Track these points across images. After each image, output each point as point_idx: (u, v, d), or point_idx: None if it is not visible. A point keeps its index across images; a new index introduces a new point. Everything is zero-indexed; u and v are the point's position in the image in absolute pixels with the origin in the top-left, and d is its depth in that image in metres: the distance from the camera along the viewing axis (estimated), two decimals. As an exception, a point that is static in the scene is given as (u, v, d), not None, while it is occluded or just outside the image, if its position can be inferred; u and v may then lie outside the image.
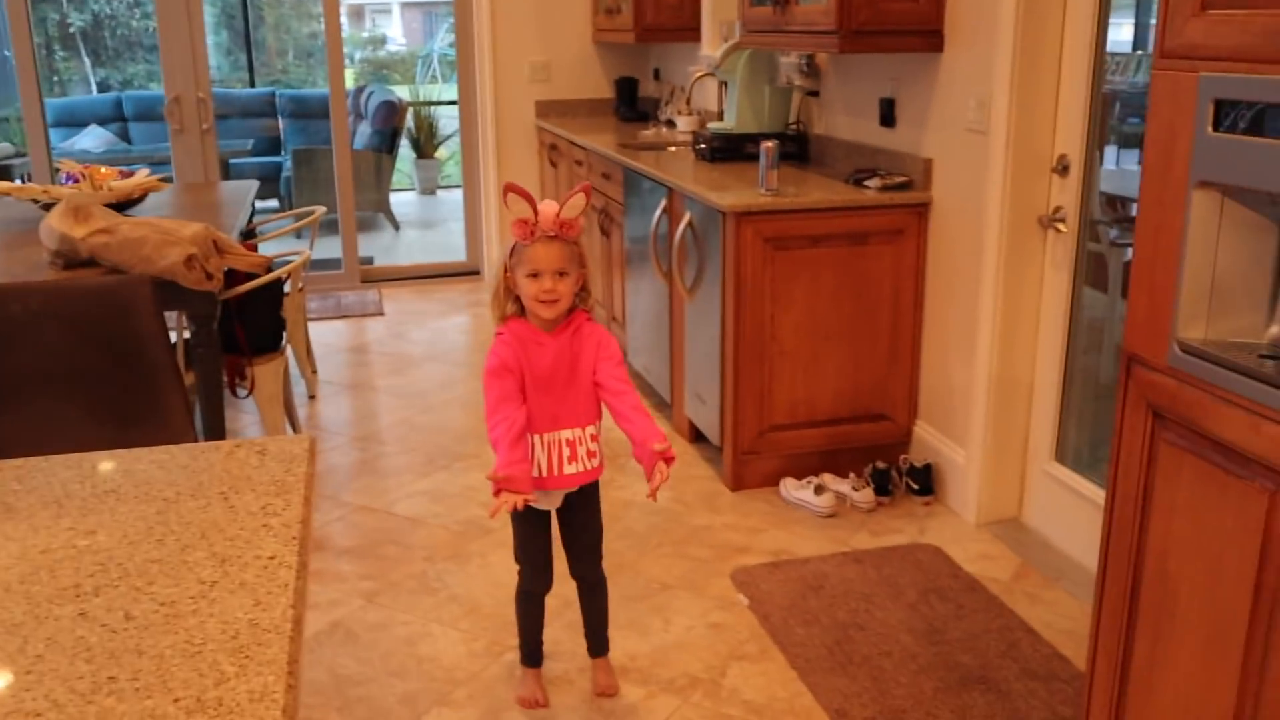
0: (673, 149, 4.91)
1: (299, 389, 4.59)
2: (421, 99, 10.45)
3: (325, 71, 6.18)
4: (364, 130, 8.64)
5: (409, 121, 9.68)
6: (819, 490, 3.48)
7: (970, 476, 3.41)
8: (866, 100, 3.91)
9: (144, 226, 3.04)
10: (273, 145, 9.18)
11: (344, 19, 6.22)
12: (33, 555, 1.22)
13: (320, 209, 4.54)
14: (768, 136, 3.96)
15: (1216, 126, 1.52)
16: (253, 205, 4.53)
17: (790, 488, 3.58)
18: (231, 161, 8.06)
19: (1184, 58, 1.60)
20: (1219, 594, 1.55)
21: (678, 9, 5.48)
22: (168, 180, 4.59)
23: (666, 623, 2.88)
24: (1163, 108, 1.62)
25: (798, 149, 4.32)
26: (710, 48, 5.28)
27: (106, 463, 1.47)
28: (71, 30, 10.66)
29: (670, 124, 5.65)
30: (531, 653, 2.59)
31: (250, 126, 9.10)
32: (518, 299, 2.29)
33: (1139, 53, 3.18)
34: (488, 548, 3.29)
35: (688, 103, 5.57)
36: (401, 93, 9.68)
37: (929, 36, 3.45)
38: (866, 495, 3.50)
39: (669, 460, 2.17)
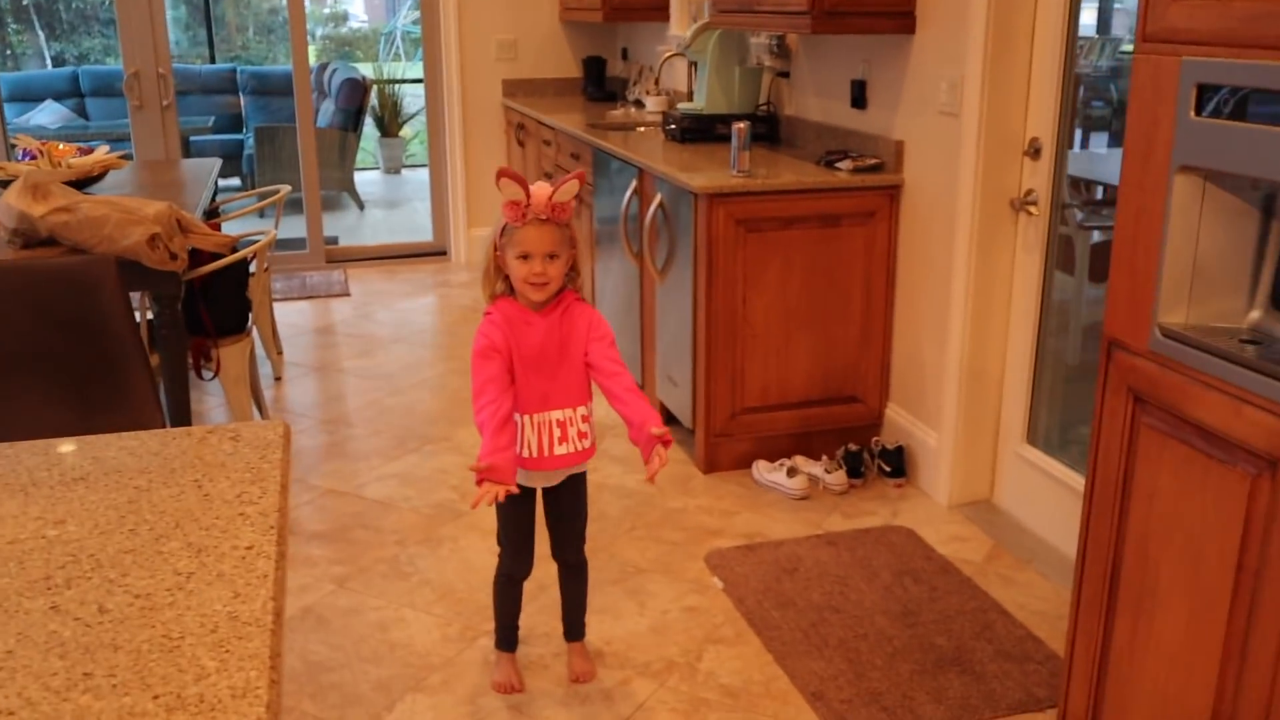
0: (642, 129, 4.88)
1: (264, 371, 4.53)
2: (385, 77, 10.32)
3: (286, 48, 6.09)
4: (328, 108, 8.53)
5: (373, 100, 9.57)
6: (791, 473, 3.48)
7: (942, 458, 3.42)
8: (838, 82, 3.90)
9: (105, 205, 2.97)
10: (234, 123, 9.05)
11: (307, -5, 6.13)
12: (0, 546, 1.18)
13: (285, 188, 4.47)
14: (738, 117, 3.94)
15: (1199, 111, 1.52)
16: (215, 184, 4.45)
17: (763, 470, 3.57)
18: (192, 139, 7.93)
19: (1166, 41, 1.59)
20: (1200, 577, 1.56)
21: (647, -12, 5.44)
22: (128, 158, 4.51)
23: (641, 606, 2.87)
24: (1144, 92, 1.61)
25: (768, 130, 4.30)
26: (679, 27, 5.25)
27: (74, 449, 1.43)
28: (25, 2, 10.43)
29: (639, 104, 5.61)
30: (507, 637, 2.57)
31: (211, 103, 8.95)
32: (507, 278, 2.26)
33: (1101, 37, 3.19)
34: (459, 531, 3.26)
35: (656, 83, 5.54)
36: (365, 70, 9.56)
37: (901, 18, 3.43)
38: (839, 477, 3.50)
39: (666, 444, 2.16)
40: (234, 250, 3.37)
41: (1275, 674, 1.46)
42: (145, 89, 5.88)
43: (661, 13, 5.41)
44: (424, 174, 9.01)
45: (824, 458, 3.59)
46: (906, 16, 3.43)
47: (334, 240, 6.86)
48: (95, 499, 1.29)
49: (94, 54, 10.83)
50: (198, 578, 1.12)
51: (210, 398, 4.33)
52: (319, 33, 13.76)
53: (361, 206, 8.72)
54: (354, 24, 15.35)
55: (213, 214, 4.41)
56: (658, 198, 3.77)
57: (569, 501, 2.46)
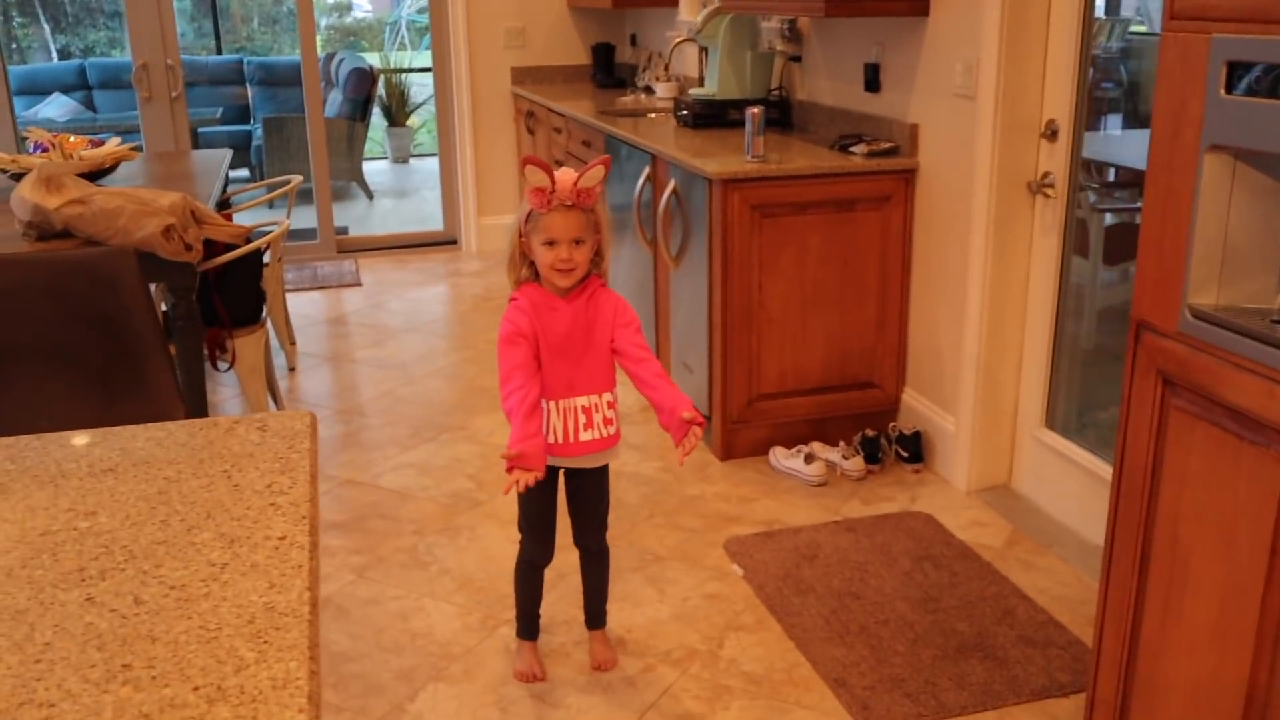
0: (652, 115, 4.86)
1: (278, 361, 4.53)
2: (392, 66, 10.30)
3: (291, 38, 6.08)
4: (335, 98, 8.51)
5: (380, 89, 9.55)
6: (809, 459, 3.47)
7: (960, 443, 3.41)
8: (851, 65, 3.88)
9: (120, 197, 2.97)
10: (241, 114, 9.04)
11: (314, -16, 6.12)
12: (32, 538, 1.18)
13: (297, 178, 4.46)
14: (750, 102, 3.92)
15: (1229, 89, 1.50)
16: (227, 175, 4.45)
17: (780, 457, 3.56)
18: (200, 130, 7.92)
19: (1195, 19, 1.57)
20: (1233, 560, 1.55)
21: (656, -27, 5.41)
22: (138, 150, 4.50)
23: (662, 594, 2.87)
24: (1172, 71, 1.60)
25: (780, 115, 4.28)
26: (689, 13, 5.22)
27: (101, 440, 1.43)
28: (31, -4, 10.42)
29: (649, 90, 5.59)
30: (529, 625, 2.56)
31: (218, 94, 8.94)
32: (532, 264, 2.25)
33: (1111, 18, 3.16)
34: (477, 520, 3.26)
35: (666, 69, 5.51)
36: (371, 60, 9.54)
37: (915, 0, 3.41)
38: (856, 464, 3.49)
39: (700, 425, 2.15)
40: (248, 241, 3.36)
41: (1310, 656, 1.45)
42: (154, 80, 5.87)
43: (671, -2, 5.39)
44: (432, 163, 9.00)
45: (841, 444, 3.58)
46: (921, -1, 3.40)
47: (344, 230, 6.85)
48: (125, 490, 1.28)
49: (100, 46, 10.82)
50: (232, 568, 1.11)
51: (224, 389, 4.33)
52: (324, 23, 13.73)
53: (370, 196, 8.71)
54: (358, 14, 15.32)
55: (224, 205, 4.40)
56: (671, 184, 3.76)
57: (591, 488, 2.45)
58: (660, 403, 2.20)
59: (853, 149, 3.60)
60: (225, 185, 4.48)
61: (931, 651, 2.58)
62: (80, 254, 2.09)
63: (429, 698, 2.46)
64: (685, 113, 4.34)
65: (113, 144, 3.91)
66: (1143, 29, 3.17)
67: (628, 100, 5.35)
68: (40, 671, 0.95)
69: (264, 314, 3.78)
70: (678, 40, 4.98)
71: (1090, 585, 2.86)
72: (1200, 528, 1.60)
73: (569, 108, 5.05)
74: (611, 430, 2.33)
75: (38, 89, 8.76)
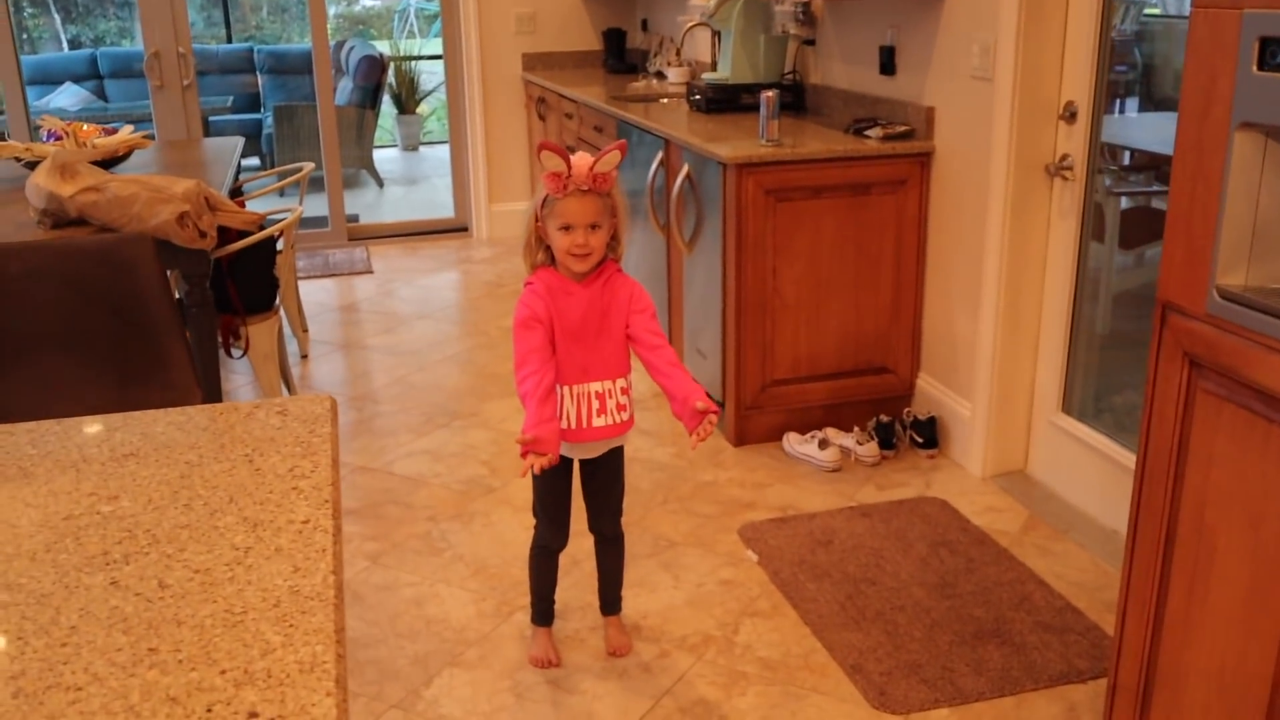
0: (664, 100, 4.84)
1: (291, 348, 4.53)
2: (401, 54, 10.28)
3: (301, 26, 6.06)
4: (345, 86, 8.50)
5: (390, 77, 9.53)
6: (823, 444, 3.46)
7: (975, 429, 3.39)
8: (865, 48, 3.85)
9: (134, 184, 2.96)
10: (252, 102, 9.03)
11: (324, -29, 6.09)
12: (55, 522, 1.17)
13: (309, 165, 4.45)
14: (764, 86, 3.89)
15: (1261, 65, 1.48)
16: (239, 163, 4.44)
17: (794, 442, 3.55)
18: (212, 119, 7.92)
19: (1223, -4, 1.55)
20: (1260, 543, 1.53)
21: (668, -42, 5.38)
22: (150, 138, 4.49)
23: (676, 580, 2.86)
24: (1202, 48, 1.57)
25: (794, 99, 4.25)
26: (701, -3, 5.19)
27: (122, 425, 1.42)
28: (41, -15, 10.42)
29: (660, 75, 5.56)
30: (544, 611, 2.56)
31: (229, 83, 8.93)
32: (548, 248, 2.24)
33: (1125, 0, 3.13)
34: (491, 506, 3.26)
35: (678, 53, 5.49)
36: (381, 47, 9.52)
37: (932, -18, 3.39)
38: (871, 449, 3.48)
39: (715, 412, 2.14)
40: (261, 228, 3.35)
41: (1339, 641, 1.44)
42: (166, 69, 5.86)
43: (682, -17, 5.36)
44: (442, 151, 8.98)
45: (855, 429, 3.56)
46: (937, -19, 3.38)
47: (354, 218, 6.85)
48: (147, 474, 1.28)
49: (110, 36, 10.82)
50: (256, 552, 1.10)
51: (238, 376, 4.33)
52: (332, 11, 13.71)
53: (381, 184, 8.70)
54: (367, 1, 15.28)
55: (236, 192, 4.40)
56: (684, 169, 3.74)
57: (606, 473, 2.45)
58: (673, 391, 2.19)
59: (867, 132, 3.58)
60: (237, 173, 4.47)
61: (948, 637, 2.57)
62: (98, 240, 2.08)
63: (444, 683, 2.46)
64: (698, 97, 4.31)
65: (125, 132, 3.90)
66: (1156, 10, 3.14)
67: (639, 85, 5.32)
68: (67, 655, 0.94)
69: (277, 301, 3.77)
70: (690, 24, 4.95)
71: (1108, 571, 2.85)
72: (1226, 511, 1.59)
73: (580, 93, 5.03)
74: (625, 416, 2.32)
75: (49, 78, 8.76)
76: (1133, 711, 1.82)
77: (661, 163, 3.95)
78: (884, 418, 3.55)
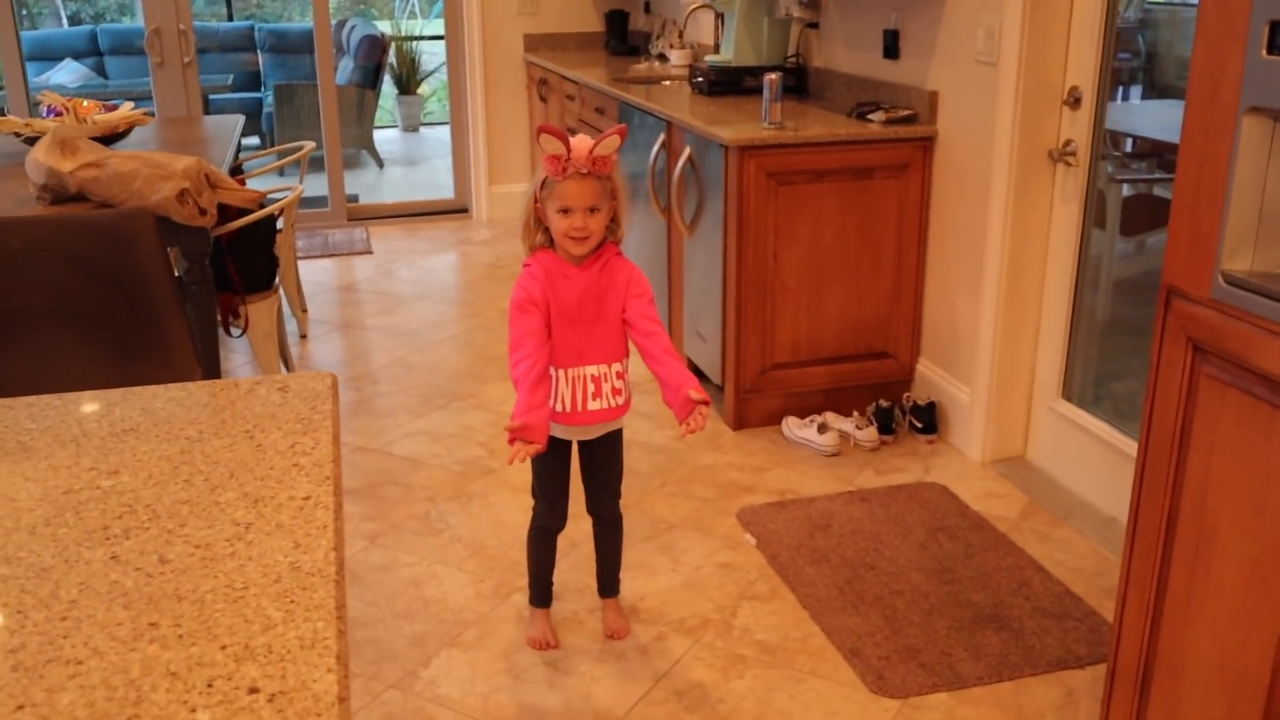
0: (667, 83, 4.82)
1: (290, 328, 4.52)
2: (403, 34, 10.23)
3: (301, 5, 6.02)
4: (346, 65, 8.47)
5: (391, 57, 9.49)
6: (822, 429, 3.46)
7: (975, 414, 3.39)
8: (869, 32, 3.83)
9: (134, 160, 2.94)
10: (252, 80, 8.99)
11: (325, -51, 6.07)
12: (55, 496, 1.17)
13: (310, 144, 4.43)
14: (766, 69, 3.88)
15: (1271, 49, 1.47)
16: (239, 141, 4.42)
17: (793, 427, 3.55)
18: (211, 97, 7.88)
19: (1232, -21, 1.54)
20: (1262, 528, 1.53)
21: (671, -61, 5.35)
22: (151, 115, 4.47)
23: (675, 563, 2.86)
24: (1211, 31, 1.56)
25: (797, 82, 4.24)
26: (705, -21, 5.16)
27: (122, 400, 1.41)
28: (40, -39, 10.36)
29: (662, 58, 5.54)
30: (542, 593, 2.56)
31: (229, 61, 8.89)
32: (547, 230, 2.23)
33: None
34: (489, 488, 3.25)
35: (680, 36, 5.46)
36: (383, 27, 9.48)
37: (937, -35, 3.37)
38: (870, 434, 3.47)
39: (707, 403, 2.13)
40: (261, 206, 3.34)
41: (1339, 627, 1.44)
42: (166, 46, 5.83)
43: (686, -35, 5.33)
44: (442, 132, 8.95)
45: (855, 414, 3.56)
46: (942, -36, 3.36)
47: (354, 198, 6.82)
48: (147, 450, 1.27)
49: (110, 13, 10.76)
50: (256, 528, 1.10)
51: (236, 355, 4.32)
52: (334, -11, 13.63)
53: (381, 165, 8.67)
54: (368, -19, 15.19)
55: (235, 171, 4.38)
56: (686, 151, 3.72)
57: (604, 456, 2.44)
58: (666, 379, 2.18)
59: (870, 116, 3.56)
60: (237, 152, 4.46)
61: (946, 622, 2.57)
62: (98, 215, 2.07)
63: (442, 664, 2.46)
64: (700, 80, 4.30)
65: (125, 109, 3.88)
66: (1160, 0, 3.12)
67: (642, 67, 5.30)
68: (67, 629, 0.94)
69: (276, 280, 3.76)
70: (693, 6, 4.93)
71: (1106, 557, 2.85)
72: (1229, 497, 1.58)
73: (582, 75, 5.01)
74: (620, 400, 2.32)
75: (49, 55, 8.72)
76: (1132, 696, 1.83)
77: (663, 145, 3.94)
78: (884, 403, 3.55)
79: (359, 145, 8.50)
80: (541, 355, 2.18)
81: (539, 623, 2.55)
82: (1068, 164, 3.09)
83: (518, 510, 3.08)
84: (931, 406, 3.52)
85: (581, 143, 2.13)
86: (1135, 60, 3.12)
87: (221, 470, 1.22)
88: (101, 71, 8.82)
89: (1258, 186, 1.53)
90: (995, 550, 2.87)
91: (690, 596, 2.71)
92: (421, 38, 10.30)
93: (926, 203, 3.56)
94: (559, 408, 2.28)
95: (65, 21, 10.46)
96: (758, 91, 3.69)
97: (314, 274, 5.45)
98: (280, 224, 3.84)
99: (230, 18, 10.44)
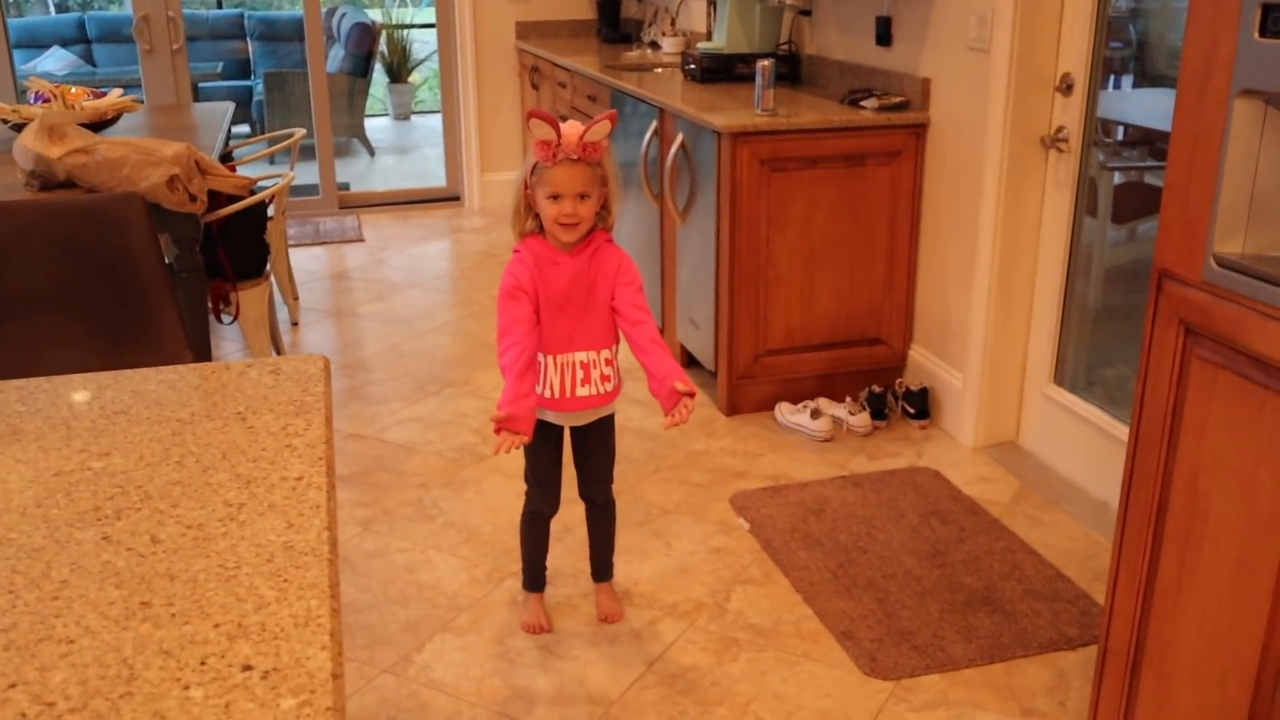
0: (659, 70, 4.81)
1: (281, 316, 4.51)
2: (394, 21, 10.20)
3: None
4: (337, 53, 8.43)
5: (381, 45, 9.45)
6: (815, 414, 3.46)
7: (967, 400, 3.39)
8: (862, 19, 3.83)
9: (123, 146, 2.93)
10: (242, 68, 8.95)
11: (315, -64, 6.04)
12: (46, 478, 1.17)
13: (300, 131, 4.42)
14: (759, 57, 3.87)
15: (1263, 32, 1.47)
16: (229, 128, 4.40)
17: (786, 412, 3.55)
18: (201, 85, 7.84)
19: (1225, -39, 1.54)
20: (1253, 510, 1.53)
21: (663, -75, 5.33)
22: (140, 102, 4.45)
23: (668, 547, 2.86)
24: (1204, 13, 1.56)
25: (789, 70, 4.23)
26: (697, -35, 5.15)
27: (113, 383, 1.41)
28: (28, -52, 10.29)
29: (655, 45, 5.53)
30: (535, 577, 2.56)
31: (219, 49, 8.85)
32: (538, 216, 2.22)
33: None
34: (482, 474, 3.25)
35: (673, 23, 5.45)
36: (373, 15, 9.44)
37: (930, -50, 3.36)
38: (863, 419, 3.48)
39: (692, 396, 2.12)
40: (252, 193, 3.33)
41: (1329, 607, 1.44)
42: (155, 33, 5.80)
43: (678, -49, 5.31)
44: (433, 120, 8.92)
45: (847, 400, 3.56)
46: (934, -51, 3.35)
47: (345, 186, 6.80)
48: (139, 432, 1.27)
49: (97, 0, 10.69)
50: (249, 508, 1.10)
51: (228, 342, 4.31)
52: (324, -23, 13.55)
53: (372, 153, 8.65)
54: (359, -32, 15.12)
55: (225, 159, 4.36)
56: (679, 138, 3.72)
57: (595, 441, 2.44)
58: (652, 369, 2.18)
59: (863, 103, 3.56)
60: (227, 139, 4.44)
61: (939, 605, 2.57)
62: (88, 199, 2.06)
63: (436, 648, 2.47)
64: (693, 67, 4.29)
65: (114, 95, 3.86)
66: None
67: (634, 55, 5.29)
68: (59, 608, 0.94)
69: (268, 267, 3.75)
70: (685, -7, 4.92)
71: (1097, 540, 2.86)
72: (1220, 478, 1.59)
73: (574, 63, 5.00)
74: (609, 387, 2.32)
75: (36, 42, 8.67)
76: (1123, 677, 1.83)
77: (656, 132, 3.93)
78: (876, 388, 3.55)
79: (350, 133, 8.47)
80: (529, 343, 2.17)
81: (532, 607, 2.56)
82: (1059, 151, 3.10)
83: (510, 496, 3.08)
84: (924, 392, 3.53)
85: (572, 128, 2.13)
86: (1127, 49, 3.12)
87: (213, 452, 1.22)
88: (89, 59, 8.77)
89: (1249, 169, 1.53)
90: (987, 534, 2.88)
91: (683, 581, 2.71)
92: (412, 25, 10.27)
93: (919, 189, 3.56)
94: (548, 394, 2.28)
95: (52, 9, 10.40)
96: (750, 79, 3.69)
97: (305, 262, 5.44)
98: (271, 211, 3.83)
99: (219, 5, 10.39)
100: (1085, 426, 3.11)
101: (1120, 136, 3.17)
